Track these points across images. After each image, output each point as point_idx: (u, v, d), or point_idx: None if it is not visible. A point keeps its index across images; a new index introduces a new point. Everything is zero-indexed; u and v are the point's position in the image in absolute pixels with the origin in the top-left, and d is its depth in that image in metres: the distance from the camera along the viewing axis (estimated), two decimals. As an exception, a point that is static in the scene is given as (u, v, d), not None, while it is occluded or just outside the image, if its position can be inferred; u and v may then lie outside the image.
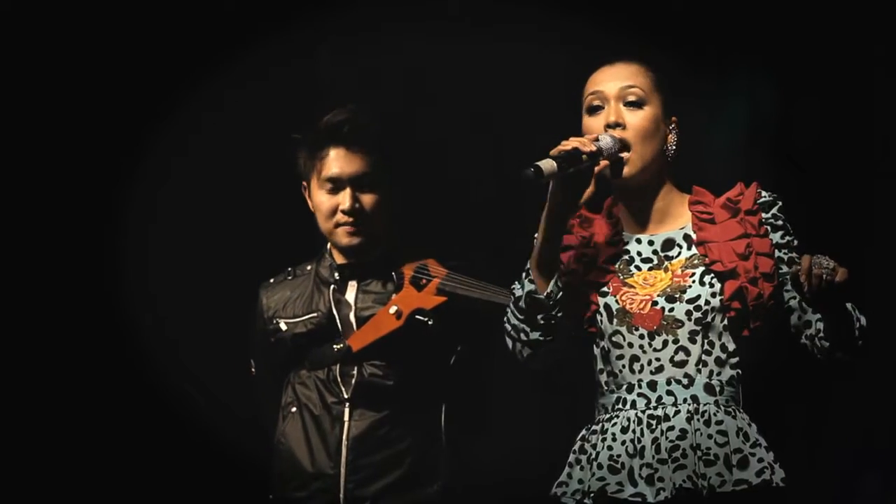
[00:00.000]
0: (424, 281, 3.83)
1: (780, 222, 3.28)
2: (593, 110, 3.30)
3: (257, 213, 4.64)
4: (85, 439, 4.62)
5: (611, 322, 3.26)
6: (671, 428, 3.18)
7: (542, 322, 3.25)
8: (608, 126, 3.26)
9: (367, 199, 3.83)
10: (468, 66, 4.66)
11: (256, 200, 4.64)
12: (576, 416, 3.46)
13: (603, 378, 3.30)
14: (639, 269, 3.30)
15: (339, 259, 3.90)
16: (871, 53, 4.45)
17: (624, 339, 3.25)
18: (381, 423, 3.80)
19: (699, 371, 3.22)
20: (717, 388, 3.22)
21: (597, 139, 3.22)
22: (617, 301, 3.27)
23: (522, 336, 3.27)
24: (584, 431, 3.32)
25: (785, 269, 3.25)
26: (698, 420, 3.18)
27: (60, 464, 4.62)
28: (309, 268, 3.96)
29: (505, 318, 3.32)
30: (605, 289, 3.29)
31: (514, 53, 4.65)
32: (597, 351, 3.31)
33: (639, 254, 3.31)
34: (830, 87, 4.47)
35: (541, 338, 3.26)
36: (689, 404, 3.20)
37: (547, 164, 3.13)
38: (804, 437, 4.29)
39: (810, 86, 4.50)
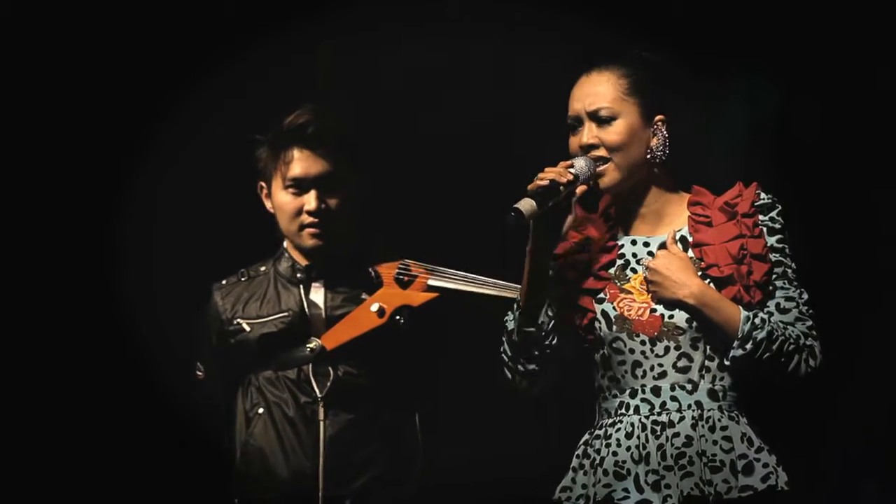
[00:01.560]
0: (408, 279, 3.81)
1: (777, 226, 3.26)
2: (572, 129, 3.30)
3: (257, 212, 4.63)
4: (85, 438, 4.62)
5: (610, 329, 3.26)
6: (676, 434, 3.18)
7: (536, 354, 3.26)
8: (582, 148, 3.25)
9: (332, 200, 3.80)
10: (460, 66, 4.68)
11: (256, 200, 4.63)
12: (572, 418, 3.46)
13: (605, 382, 3.30)
14: (634, 271, 3.29)
15: (301, 259, 3.87)
16: (872, 54, 4.46)
17: (625, 346, 3.25)
18: (357, 422, 3.76)
19: (702, 377, 3.22)
20: (721, 394, 3.22)
21: (571, 165, 3.21)
22: (615, 308, 3.26)
23: (520, 368, 3.28)
24: (586, 435, 3.32)
25: (775, 273, 3.24)
26: (703, 426, 3.18)
27: (60, 462, 4.62)
28: (263, 268, 3.92)
29: (501, 350, 3.32)
30: (601, 295, 3.28)
31: (514, 54, 4.67)
32: (597, 356, 3.30)
33: (634, 255, 3.30)
34: (831, 87, 4.48)
35: (536, 369, 3.27)
36: (694, 410, 3.20)
37: (526, 205, 3.11)
38: (803, 440, 4.29)
39: (810, 86, 4.50)
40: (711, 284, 3.21)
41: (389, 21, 4.66)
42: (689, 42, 4.42)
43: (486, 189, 4.41)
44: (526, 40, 4.64)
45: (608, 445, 3.24)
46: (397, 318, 3.77)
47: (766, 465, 3.16)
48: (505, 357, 3.30)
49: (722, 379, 3.22)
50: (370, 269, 3.83)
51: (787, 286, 3.23)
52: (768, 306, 3.21)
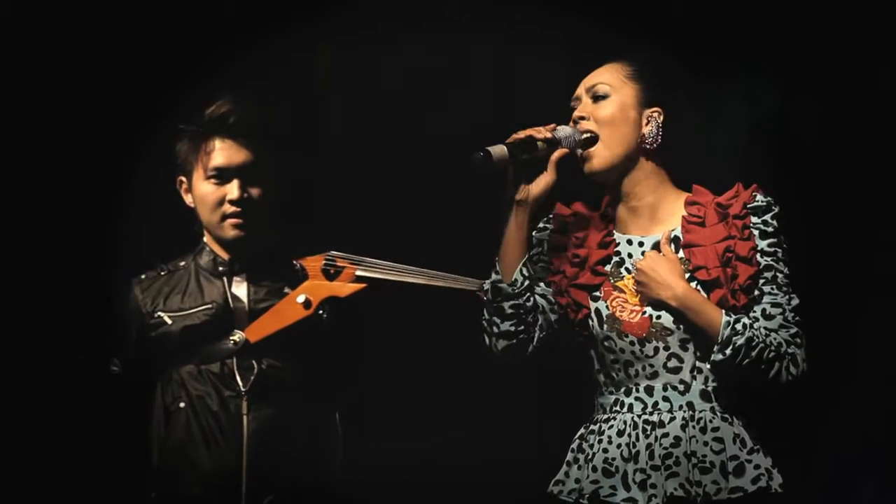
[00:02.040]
0: (334, 270, 3.80)
1: (770, 229, 3.24)
2: (573, 110, 3.34)
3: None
4: (82, 437, 4.61)
5: (601, 328, 3.27)
6: (665, 435, 3.19)
7: (510, 312, 3.27)
8: (574, 120, 3.30)
9: (254, 189, 3.79)
10: (460, 66, 4.69)
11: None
12: (571, 414, 3.46)
13: (601, 378, 3.31)
14: (629, 271, 3.29)
15: (222, 253, 3.86)
16: (873, 53, 4.45)
17: (616, 345, 3.26)
18: (281, 416, 3.75)
19: (694, 378, 3.22)
20: (714, 395, 3.21)
21: (554, 128, 3.26)
22: (607, 307, 3.27)
23: (494, 329, 3.29)
24: (582, 430, 3.33)
25: (764, 278, 3.22)
26: (694, 427, 3.18)
27: (57, 462, 4.61)
28: (183, 263, 3.90)
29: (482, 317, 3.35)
30: (597, 293, 3.30)
31: (514, 54, 4.67)
32: (593, 353, 3.32)
33: (630, 255, 3.31)
34: (831, 87, 4.47)
35: (511, 328, 3.28)
36: (685, 411, 3.20)
37: (497, 150, 3.19)
38: (800, 442, 4.28)
39: (811, 85, 4.49)
40: (699, 287, 3.20)
41: (390, 21, 4.66)
42: (689, 42, 4.41)
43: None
44: (526, 40, 4.64)
45: (600, 441, 3.25)
46: (320, 311, 3.76)
47: (757, 467, 3.16)
48: (484, 322, 3.32)
49: (715, 380, 3.21)
50: (294, 262, 3.82)
51: (776, 292, 3.21)
52: (754, 311, 3.19)
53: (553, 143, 3.24)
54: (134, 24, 4.61)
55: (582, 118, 3.29)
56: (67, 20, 4.60)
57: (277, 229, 3.85)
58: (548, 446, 3.67)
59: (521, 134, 3.23)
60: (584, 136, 3.27)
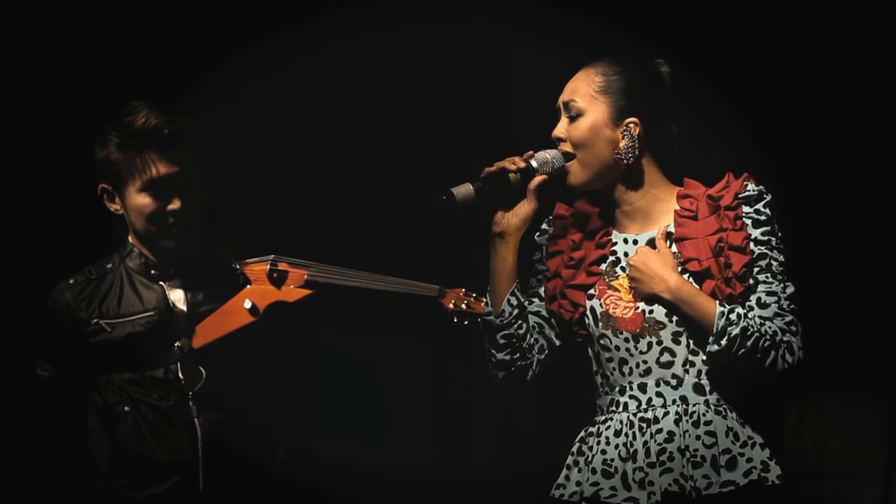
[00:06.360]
0: (277, 275, 3.74)
1: (762, 217, 3.22)
2: (558, 118, 3.33)
3: (255, 211, 4.65)
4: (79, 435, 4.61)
5: (597, 326, 3.27)
6: (659, 431, 3.18)
7: (502, 342, 3.29)
8: (553, 140, 3.30)
9: (190, 199, 3.70)
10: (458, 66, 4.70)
11: (253, 198, 4.66)
12: (575, 417, 3.45)
13: (598, 380, 3.31)
14: (624, 269, 3.28)
15: (151, 256, 3.76)
16: (873, 53, 4.45)
17: (611, 343, 3.25)
18: (229, 420, 3.68)
19: (687, 371, 3.20)
20: (707, 388, 3.20)
21: (531, 156, 3.25)
22: (601, 305, 3.27)
23: (492, 359, 3.31)
24: (582, 433, 3.32)
25: (758, 266, 3.21)
26: (687, 421, 3.17)
27: (53, 461, 4.60)
28: (109, 265, 3.79)
29: None
30: (592, 291, 3.29)
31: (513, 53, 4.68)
32: (591, 353, 3.32)
33: (626, 254, 3.30)
34: (832, 87, 4.47)
35: (506, 357, 3.29)
36: (679, 405, 3.19)
37: (461, 190, 3.19)
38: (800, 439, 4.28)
39: (811, 85, 4.50)
40: (691, 279, 3.19)
41: (390, 20, 4.68)
42: (689, 42, 4.42)
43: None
44: (527, 40, 4.65)
45: (598, 443, 3.24)
46: (256, 319, 3.70)
47: (750, 461, 3.14)
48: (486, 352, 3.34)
49: (708, 373, 3.20)
50: (236, 267, 3.77)
51: (771, 280, 3.19)
52: (749, 301, 3.18)
53: (529, 172, 3.25)
54: (135, 24, 4.63)
55: (560, 140, 3.29)
56: (69, 20, 4.61)
57: (205, 233, 3.81)
58: (550, 450, 3.65)
59: (493, 167, 3.23)
60: (567, 160, 3.27)
